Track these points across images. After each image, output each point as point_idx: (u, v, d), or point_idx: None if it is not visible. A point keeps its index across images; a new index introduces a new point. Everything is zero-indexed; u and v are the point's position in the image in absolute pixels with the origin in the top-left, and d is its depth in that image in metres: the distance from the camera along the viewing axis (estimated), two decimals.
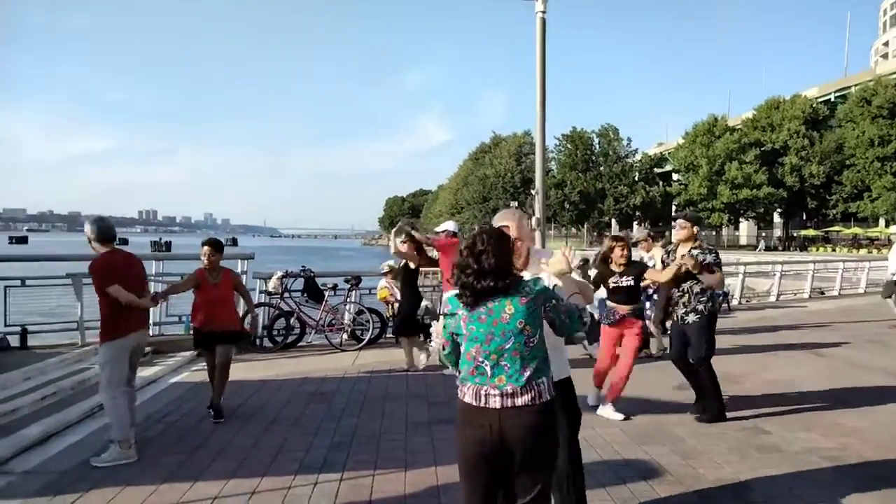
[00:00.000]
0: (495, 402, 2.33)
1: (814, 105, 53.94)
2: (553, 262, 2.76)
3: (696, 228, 5.41)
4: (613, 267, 5.48)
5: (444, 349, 2.58)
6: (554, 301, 2.45)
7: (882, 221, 47.17)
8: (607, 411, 5.31)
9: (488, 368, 2.36)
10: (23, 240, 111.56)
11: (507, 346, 2.34)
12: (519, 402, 2.32)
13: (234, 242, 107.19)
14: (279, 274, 8.64)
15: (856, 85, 54.37)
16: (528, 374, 2.34)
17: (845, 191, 49.07)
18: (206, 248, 5.31)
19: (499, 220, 2.94)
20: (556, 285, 2.72)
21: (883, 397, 6.09)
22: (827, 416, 5.43)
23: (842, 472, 4.14)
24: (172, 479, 3.96)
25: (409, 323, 7.37)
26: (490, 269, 2.35)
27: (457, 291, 2.44)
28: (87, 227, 4.48)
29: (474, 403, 2.37)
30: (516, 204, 41.84)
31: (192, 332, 5.58)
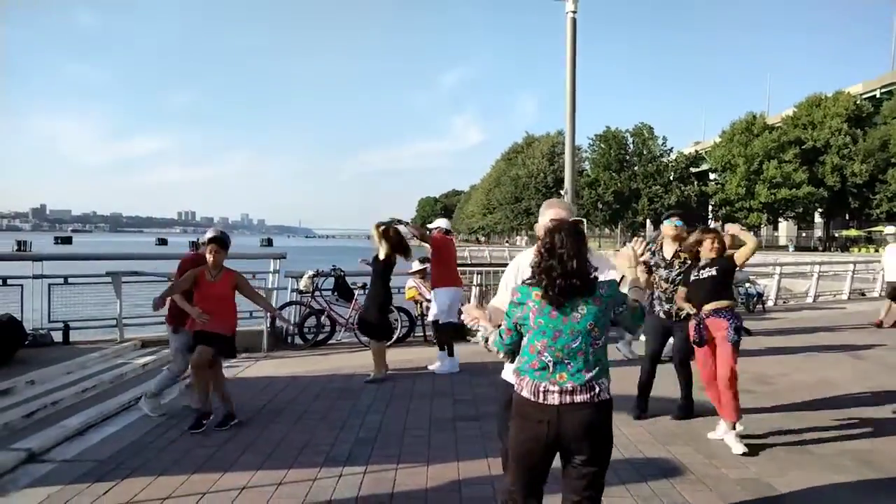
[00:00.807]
0: (554, 399, 2.35)
1: (857, 102, 52.42)
2: (621, 260, 2.76)
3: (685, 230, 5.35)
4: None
5: (502, 337, 2.55)
6: (625, 305, 2.49)
7: None
8: (731, 439, 4.58)
9: (551, 364, 2.38)
10: (67, 240, 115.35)
11: (574, 346, 2.36)
12: (578, 399, 2.34)
13: (270, 243, 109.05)
14: (310, 273, 8.81)
15: None
16: (590, 374, 2.37)
17: (890, 189, 47.55)
18: (211, 245, 5.07)
19: (553, 208, 2.92)
20: (622, 278, 2.72)
21: None
22: (857, 417, 5.33)
23: (877, 475, 4.06)
24: (202, 470, 4.10)
25: (382, 325, 6.98)
26: (573, 271, 2.34)
27: (528, 279, 2.48)
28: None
29: (532, 399, 2.39)
30: (564, 195, 41.56)
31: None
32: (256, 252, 7.11)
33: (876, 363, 7.74)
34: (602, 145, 61.85)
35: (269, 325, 8.18)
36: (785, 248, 51.86)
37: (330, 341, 8.88)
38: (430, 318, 7.59)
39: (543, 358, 2.38)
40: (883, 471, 4.13)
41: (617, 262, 2.80)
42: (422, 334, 9.29)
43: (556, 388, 2.36)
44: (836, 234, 54.61)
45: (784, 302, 15.94)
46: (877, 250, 43.52)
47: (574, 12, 10.35)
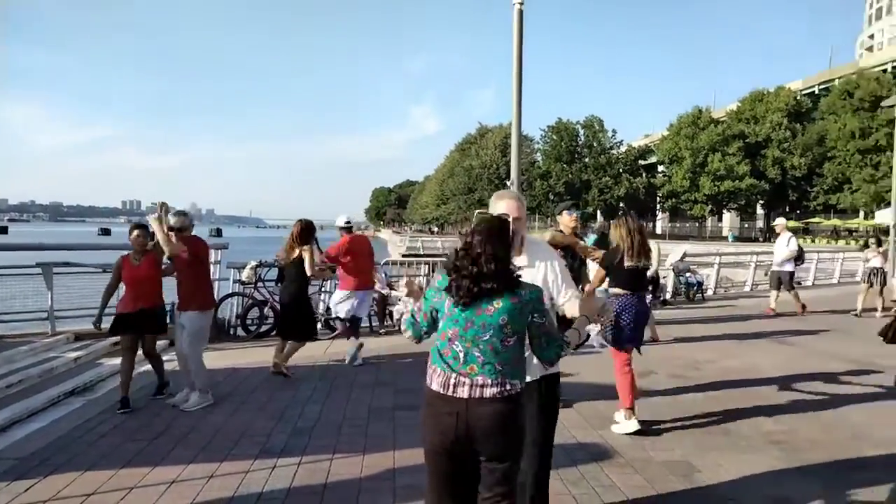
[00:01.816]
0: (464, 392, 2.30)
1: (797, 97, 54.46)
2: (585, 305, 2.75)
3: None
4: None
5: (415, 318, 2.55)
6: (542, 318, 2.39)
7: (861, 213, 47.78)
8: (619, 416, 4.84)
9: (462, 355, 2.32)
10: (2, 230, 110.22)
11: (484, 338, 2.30)
12: (487, 393, 2.29)
13: (219, 233, 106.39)
14: (253, 263, 8.67)
15: (839, 78, 54.89)
16: (499, 369, 2.31)
17: (826, 183, 49.61)
18: (136, 230, 5.47)
19: (499, 200, 2.87)
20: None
21: (836, 384, 6.28)
22: (778, 402, 5.59)
23: (788, 456, 4.28)
24: (131, 464, 4.02)
25: (305, 324, 6.78)
26: (489, 273, 2.29)
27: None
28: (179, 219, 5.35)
29: (442, 391, 2.33)
30: (511, 185, 41.92)
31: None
32: None
33: (801, 349, 8.11)
34: (554, 137, 62.61)
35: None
36: (726, 238, 53.56)
37: (273, 332, 8.76)
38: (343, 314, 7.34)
39: (454, 347, 2.34)
40: (794, 451, 4.36)
41: (582, 304, 2.77)
42: (367, 325, 9.26)
43: (468, 380, 2.30)
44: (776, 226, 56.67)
45: (724, 291, 16.50)
46: (813, 241, 45.47)
47: (521, 3, 10.41)
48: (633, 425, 4.66)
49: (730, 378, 6.42)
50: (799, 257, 11.27)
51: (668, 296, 13.31)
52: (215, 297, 8.45)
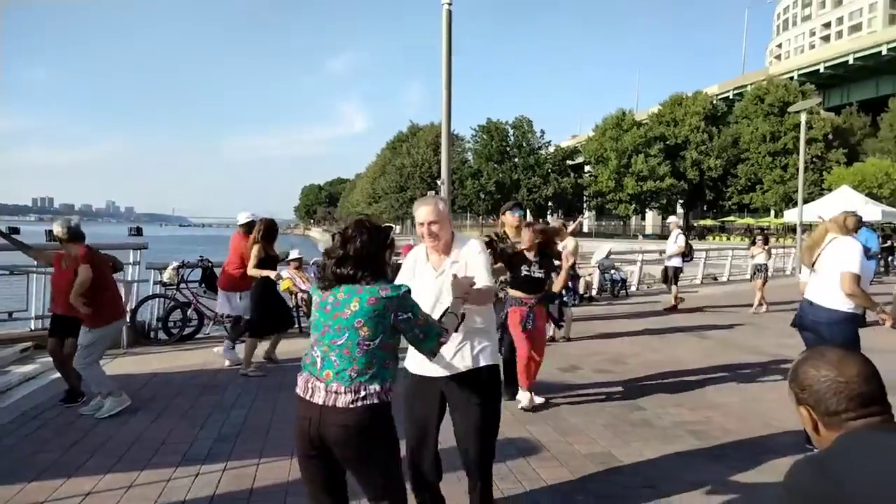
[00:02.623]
0: (319, 397, 2.24)
1: (714, 102, 57.17)
2: (455, 287, 2.72)
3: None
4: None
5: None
6: (409, 314, 2.34)
7: (772, 212, 50.64)
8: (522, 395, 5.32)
9: (319, 360, 2.30)
10: None
11: (339, 342, 2.25)
12: (340, 402, 2.21)
13: (139, 232, 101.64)
14: (174, 264, 8.35)
15: (751, 84, 58.00)
16: (354, 375, 2.23)
17: (740, 183, 52.35)
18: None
19: (419, 206, 2.98)
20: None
21: (748, 374, 6.64)
22: (697, 393, 5.86)
23: (703, 444, 4.49)
24: (43, 477, 3.80)
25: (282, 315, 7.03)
26: (352, 256, 2.32)
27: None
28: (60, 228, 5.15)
29: (301, 394, 2.32)
30: (433, 194, 42.14)
31: None
32: (113, 242, 6.58)
33: (719, 343, 8.52)
34: (484, 136, 63.31)
35: (128, 320, 7.69)
36: (649, 236, 55.62)
37: (197, 335, 8.49)
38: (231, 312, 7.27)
39: (314, 352, 2.33)
40: (709, 440, 4.57)
41: (453, 286, 2.76)
42: (297, 326, 9.10)
43: (322, 385, 2.25)
44: (695, 224, 59.32)
45: (647, 287, 17.12)
46: (728, 238, 47.83)
47: (449, 3, 10.49)
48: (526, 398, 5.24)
49: (652, 371, 6.68)
50: (687, 254, 11.85)
51: (594, 292, 13.70)
52: (135, 299, 8.16)
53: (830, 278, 4.27)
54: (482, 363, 3.01)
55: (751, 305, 11.75)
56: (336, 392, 2.23)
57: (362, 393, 2.23)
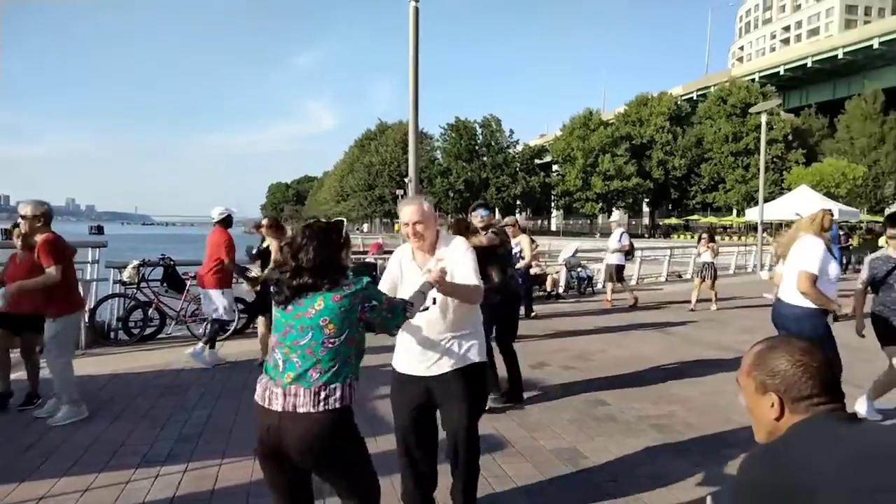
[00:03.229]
0: (278, 403, 2.18)
1: (678, 102, 58.23)
2: (429, 272, 2.73)
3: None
4: None
5: None
6: (375, 302, 2.35)
7: (734, 211, 51.80)
8: None
9: (280, 363, 2.25)
10: None
11: (302, 343, 2.21)
12: (301, 407, 2.15)
13: (100, 230, 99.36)
14: (135, 263, 8.16)
15: (714, 85, 59.25)
16: (317, 375, 2.18)
17: (703, 182, 53.45)
18: (16, 229, 5.26)
19: (403, 207, 2.99)
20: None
21: (710, 369, 6.75)
22: (660, 388, 5.95)
23: (666, 438, 4.56)
24: None
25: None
26: (307, 267, 2.25)
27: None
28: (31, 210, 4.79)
29: (259, 402, 2.26)
30: (402, 193, 42.08)
31: None
32: (72, 241, 6.32)
33: (682, 339, 8.66)
34: (453, 135, 63.41)
35: (86, 319, 7.50)
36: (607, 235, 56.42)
37: (159, 335, 8.32)
38: (216, 316, 6.98)
39: (275, 354, 2.28)
40: (672, 434, 4.64)
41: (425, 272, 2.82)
42: None
43: (281, 389, 2.19)
44: (660, 223, 60.36)
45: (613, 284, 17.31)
46: (692, 237, 48.71)
47: (416, 2, 10.48)
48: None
49: (617, 367, 6.76)
50: (629, 252, 12.13)
51: (560, 290, 13.82)
52: (94, 298, 7.96)
53: (793, 276, 4.36)
54: (469, 361, 3.03)
55: (710, 301, 11.73)
56: (295, 395, 2.17)
57: (322, 395, 2.17)
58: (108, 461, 4.03)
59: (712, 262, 11.82)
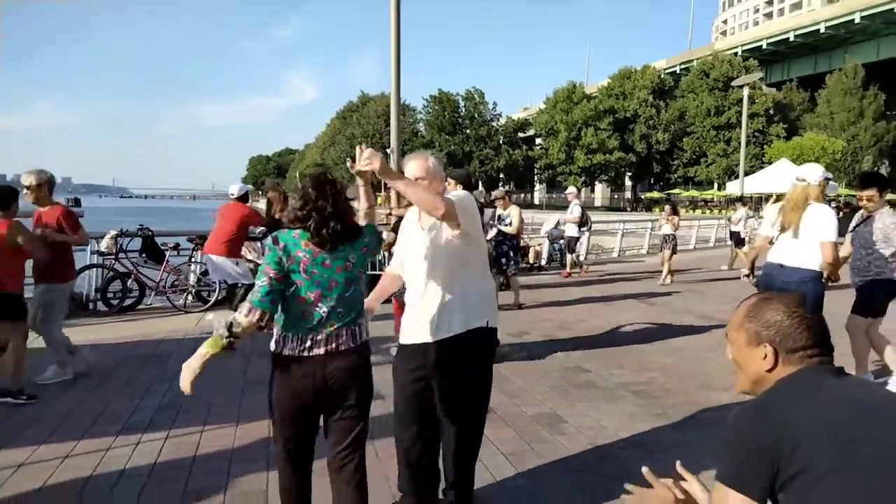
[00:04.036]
0: (321, 349, 2.32)
1: (661, 76, 58.13)
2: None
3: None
4: None
5: (266, 294, 2.24)
6: (375, 247, 2.56)
7: (715, 185, 52.19)
8: None
9: (325, 315, 2.34)
10: None
11: (347, 294, 2.38)
12: (343, 345, 2.36)
13: (77, 203, 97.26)
14: (112, 233, 8.04)
15: (697, 59, 59.15)
16: (354, 316, 2.42)
17: (685, 156, 53.71)
18: None
19: (406, 163, 2.79)
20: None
21: (690, 337, 6.86)
22: (640, 355, 6.03)
23: (645, 403, 4.63)
24: None
25: None
26: (335, 212, 2.32)
27: (295, 230, 2.33)
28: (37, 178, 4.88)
29: (295, 354, 2.33)
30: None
31: None
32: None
33: (662, 308, 8.77)
34: (436, 107, 62.91)
35: None
36: (599, 208, 56.69)
37: (139, 306, 8.24)
38: (231, 281, 7.26)
39: (318, 310, 2.33)
40: (651, 400, 4.72)
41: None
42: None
43: (324, 336, 2.34)
44: (642, 196, 60.69)
45: (595, 256, 17.45)
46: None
47: None
48: None
49: (598, 336, 6.83)
50: (583, 223, 12.37)
51: (543, 262, 13.88)
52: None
53: (806, 243, 4.31)
54: (472, 326, 2.71)
55: (671, 273, 11.57)
56: (337, 336, 2.37)
57: (357, 331, 2.43)
58: (89, 428, 4.01)
59: (673, 235, 11.71)
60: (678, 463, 1.67)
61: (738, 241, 14.34)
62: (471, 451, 2.86)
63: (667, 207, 12.23)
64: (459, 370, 2.72)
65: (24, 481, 3.27)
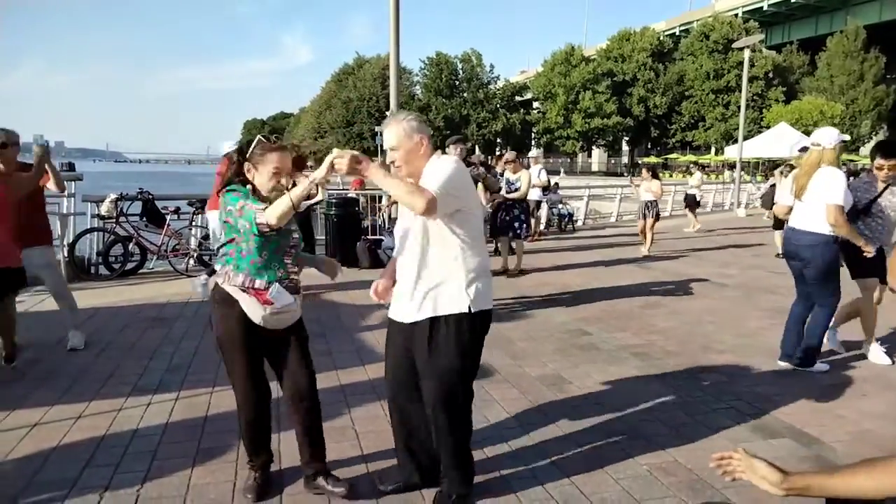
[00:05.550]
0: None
1: (661, 38, 57.26)
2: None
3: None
4: None
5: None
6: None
7: (713, 149, 51.90)
8: None
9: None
10: None
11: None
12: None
13: (71, 167, 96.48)
14: (112, 196, 8.00)
15: (697, 20, 58.18)
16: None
17: (683, 120, 53.24)
18: None
19: (383, 128, 2.64)
20: None
21: (689, 300, 6.93)
22: (640, 318, 6.10)
23: (646, 364, 4.71)
24: None
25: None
26: None
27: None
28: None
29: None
30: (381, 132, 41.42)
31: None
32: None
33: (662, 272, 8.82)
34: (433, 70, 61.99)
35: (66, 254, 7.42)
36: (596, 173, 56.47)
37: (141, 270, 8.26)
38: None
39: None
40: (652, 361, 4.80)
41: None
42: None
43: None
44: (639, 161, 60.38)
45: (593, 221, 17.49)
46: (670, 176, 48.96)
47: None
48: None
49: (599, 299, 6.89)
50: (546, 188, 12.98)
51: (542, 227, 13.91)
52: (71, 233, 7.85)
53: (814, 206, 4.32)
54: (441, 312, 2.53)
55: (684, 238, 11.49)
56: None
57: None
58: (99, 390, 4.07)
59: (655, 202, 10.62)
60: (741, 448, 1.62)
61: (692, 203, 15.79)
62: (448, 435, 2.62)
63: (644, 171, 10.90)
64: (430, 353, 2.54)
65: (39, 441, 3.32)
